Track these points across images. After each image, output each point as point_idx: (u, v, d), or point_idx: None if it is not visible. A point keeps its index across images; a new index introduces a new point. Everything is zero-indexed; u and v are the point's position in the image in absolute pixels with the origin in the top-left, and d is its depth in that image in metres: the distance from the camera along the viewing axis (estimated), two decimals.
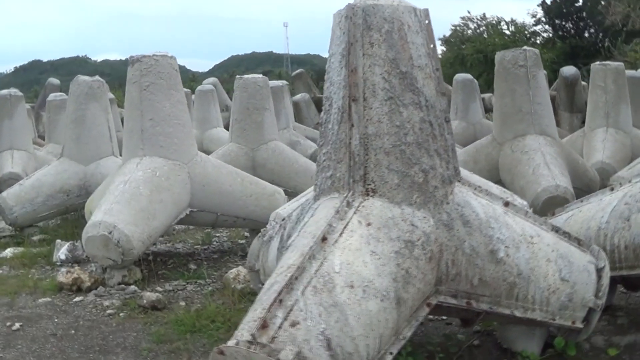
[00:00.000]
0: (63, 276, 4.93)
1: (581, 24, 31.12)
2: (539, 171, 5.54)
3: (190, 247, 6.25)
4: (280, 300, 2.44)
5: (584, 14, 30.68)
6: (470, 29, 33.15)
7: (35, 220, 6.67)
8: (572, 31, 31.12)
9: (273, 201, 5.67)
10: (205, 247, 6.23)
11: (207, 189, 5.35)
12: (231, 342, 2.38)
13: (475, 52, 29.15)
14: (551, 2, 32.13)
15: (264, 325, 2.35)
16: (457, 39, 32.93)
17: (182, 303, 4.51)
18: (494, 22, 31.25)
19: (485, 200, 3.21)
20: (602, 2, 27.89)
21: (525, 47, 6.17)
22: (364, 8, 2.94)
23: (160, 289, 4.78)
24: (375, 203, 2.87)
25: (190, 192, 5.27)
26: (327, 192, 3.01)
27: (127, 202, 4.81)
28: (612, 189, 4.02)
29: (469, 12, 34.70)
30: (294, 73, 21.22)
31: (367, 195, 2.89)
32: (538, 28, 33.17)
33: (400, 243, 2.78)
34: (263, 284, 3.92)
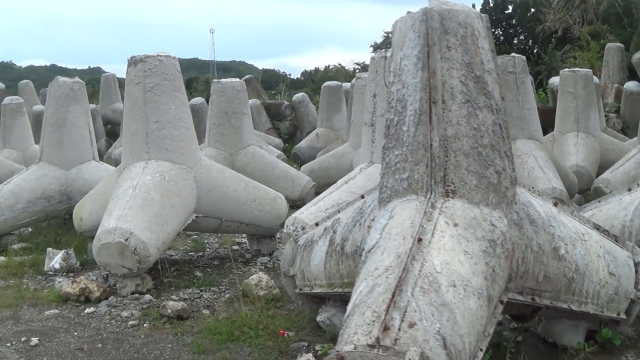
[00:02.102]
0: (69, 286, 4.66)
1: (511, 30, 32.70)
2: (534, 174, 5.81)
3: (183, 254, 6.07)
4: (394, 302, 2.45)
5: (514, 21, 32.26)
6: None
7: (14, 228, 6.24)
8: (502, 38, 32.62)
9: (275, 206, 5.62)
10: (200, 253, 6.07)
11: (212, 194, 5.22)
12: (348, 347, 2.35)
13: None
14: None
15: (385, 328, 2.35)
16: (389, 46, 33.71)
17: (206, 311, 4.38)
18: None
19: (541, 200, 3.36)
20: (532, 10, 29.47)
21: (513, 53, 6.45)
22: (440, 12, 3.00)
23: (176, 298, 4.62)
24: (456, 204, 2.93)
25: (196, 197, 5.13)
26: (403, 194, 3.04)
27: (140, 207, 4.61)
28: (629, 190, 4.30)
29: None
30: (243, 79, 21.02)
31: (447, 196, 2.95)
32: None
33: (486, 242, 2.86)
34: (301, 289, 3.94)
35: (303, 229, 4.67)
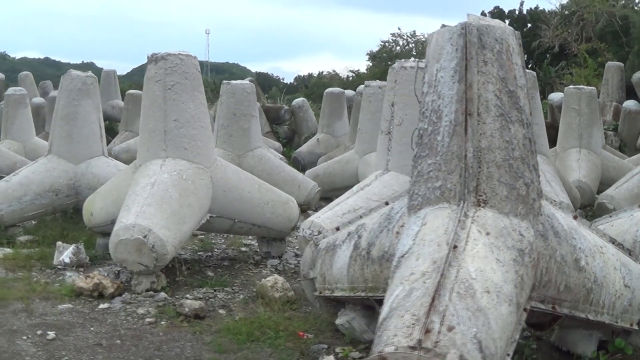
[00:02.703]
0: (82, 281, 4.70)
1: None
2: (541, 188, 5.94)
3: (192, 253, 6.12)
4: (434, 306, 2.55)
5: None
6: (399, 45, 34.38)
7: (21, 220, 6.25)
8: None
9: (288, 209, 5.71)
10: (209, 253, 6.13)
11: (227, 195, 5.29)
12: (389, 349, 2.45)
13: None
14: None
15: (427, 331, 2.45)
16: (385, 55, 33.99)
17: (222, 311, 4.44)
18: (423, 39, 32.57)
19: (563, 213, 3.50)
20: (529, 25, 29.85)
21: None
22: (478, 27, 3.13)
23: (190, 297, 4.68)
24: (487, 213, 3.05)
25: (211, 197, 5.20)
26: (435, 202, 3.15)
27: (159, 205, 4.67)
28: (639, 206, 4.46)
29: (399, 29, 35.94)
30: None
31: (479, 205, 3.06)
32: None
33: (515, 251, 2.98)
34: (320, 292, 4.03)
35: (319, 233, 4.77)
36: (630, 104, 11.02)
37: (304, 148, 11.88)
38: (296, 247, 6.38)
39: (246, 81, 8.10)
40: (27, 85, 12.67)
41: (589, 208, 7.49)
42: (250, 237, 6.51)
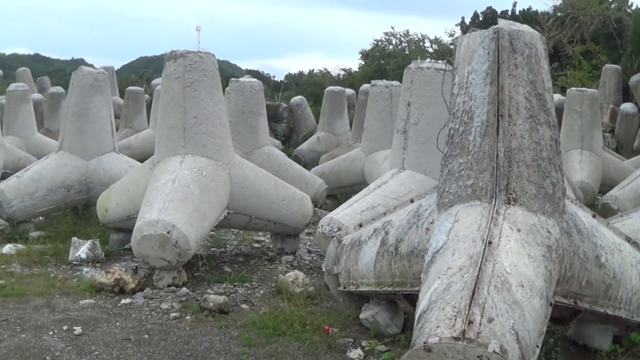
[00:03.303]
0: (103, 277, 4.78)
1: None
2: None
3: (205, 249, 6.22)
4: (474, 299, 2.69)
5: None
6: (392, 44, 34.55)
7: (33, 215, 6.31)
8: None
9: (302, 206, 5.83)
10: (222, 249, 6.24)
11: (245, 191, 5.41)
12: (433, 339, 2.59)
13: (398, 68, 30.42)
14: (470, 23, 34.30)
15: (470, 322, 2.59)
16: (378, 54, 34.16)
17: (244, 306, 4.56)
18: (416, 39, 32.83)
19: (583, 212, 3.67)
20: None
21: None
22: (509, 32, 3.28)
23: (211, 292, 4.79)
24: (517, 211, 3.20)
25: (229, 193, 5.31)
26: (466, 200, 3.29)
27: (181, 200, 4.77)
28: None
29: (392, 28, 36.11)
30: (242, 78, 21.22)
31: (509, 203, 3.22)
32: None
33: (544, 248, 3.13)
34: (345, 287, 4.16)
35: (339, 229, 4.91)
36: (627, 106, 11.28)
37: (304, 146, 12.00)
38: (308, 244, 6.51)
39: (254, 79, 8.20)
40: (25, 81, 12.66)
41: (591, 208, 7.68)
42: (261, 233, 6.63)
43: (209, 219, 4.97)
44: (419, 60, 5.46)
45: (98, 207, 5.86)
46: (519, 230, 3.11)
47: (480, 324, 2.62)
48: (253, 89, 7.91)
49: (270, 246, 6.30)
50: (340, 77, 37.78)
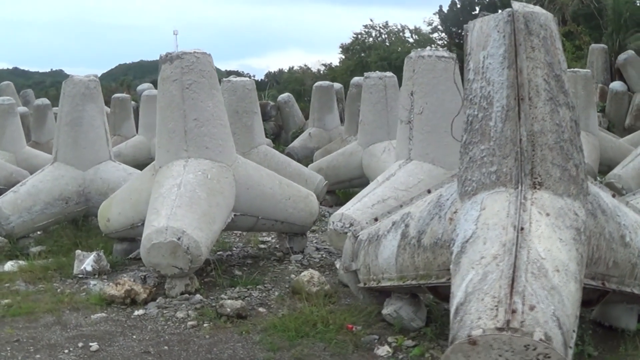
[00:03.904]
0: (113, 289, 4.68)
1: None
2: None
3: (212, 254, 6.11)
4: (514, 287, 2.65)
5: None
6: (372, 37, 34.53)
7: (32, 230, 6.17)
8: None
9: (308, 203, 5.76)
10: (228, 253, 6.15)
11: (250, 192, 5.33)
12: (477, 332, 2.54)
13: (380, 60, 30.42)
14: (448, 11, 34.39)
15: (513, 311, 2.55)
16: (358, 47, 34.12)
17: (261, 309, 4.49)
18: (396, 30, 32.83)
19: (604, 192, 3.65)
20: (499, 11, 30.28)
21: None
22: (524, 14, 3.23)
23: (225, 297, 4.70)
24: (543, 195, 3.16)
25: (235, 195, 5.23)
26: (491, 187, 3.24)
27: (189, 206, 4.68)
28: None
29: (371, 20, 36.06)
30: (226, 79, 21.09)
31: (534, 188, 3.18)
32: (434, 36, 35.36)
33: (574, 231, 3.10)
34: (365, 283, 4.11)
35: (351, 225, 4.85)
36: (616, 85, 11.35)
37: (296, 143, 11.94)
38: (314, 241, 6.45)
39: (246, 78, 8.10)
40: (9, 94, 12.44)
41: None
42: (266, 233, 6.55)
43: (218, 223, 4.89)
44: (418, 50, 5.42)
45: (99, 218, 5.74)
46: (547, 215, 3.07)
47: (522, 312, 2.57)
48: (246, 88, 7.82)
49: (277, 246, 6.23)
50: (321, 72, 37.72)
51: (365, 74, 8.23)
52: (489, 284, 2.74)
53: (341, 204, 8.14)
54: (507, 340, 2.48)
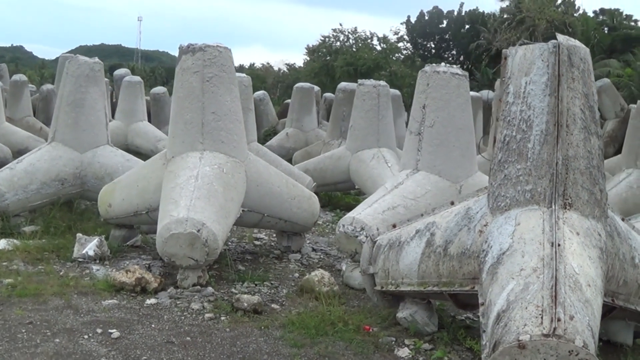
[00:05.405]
0: (124, 276, 4.73)
1: (443, 44, 34.49)
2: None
3: None
4: (557, 298, 2.94)
5: (447, 35, 34.06)
6: (339, 41, 34.85)
7: (25, 209, 6.08)
8: (434, 51, 34.37)
9: (311, 204, 5.95)
10: (227, 247, 6.25)
11: (259, 189, 5.47)
12: (524, 337, 2.82)
13: (346, 65, 30.75)
14: (415, 22, 35.18)
15: (558, 319, 2.83)
16: (325, 50, 34.36)
17: (275, 306, 4.64)
18: (364, 37, 33.24)
19: (617, 216, 4.01)
20: (467, 26, 31.28)
21: None
22: (567, 47, 3.55)
23: (235, 291, 4.84)
24: (572, 215, 3.48)
25: (245, 191, 5.36)
26: (524, 204, 3.54)
27: (207, 198, 4.79)
28: None
29: (340, 25, 36.39)
30: None
31: (565, 208, 3.50)
32: (400, 45, 36.08)
33: (598, 250, 3.44)
34: (382, 287, 4.34)
35: (362, 229, 5.07)
36: None
37: (273, 142, 12.08)
38: (307, 242, 6.63)
39: (243, 74, 8.20)
40: None
41: None
42: (257, 230, 6.68)
43: (232, 217, 5.02)
44: (433, 65, 5.70)
45: (100, 202, 5.75)
46: (578, 234, 3.39)
47: (565, 321, 2.87)
48: (242, 85, 7.93)
49: (272, 244, 6.39)
50: (282, 72, 37.79)
51: (359, 81, 8.48)
52: (531, 294, 3.02)
53: (323, 206, 8.38)
54: (554, 345, 2.77)
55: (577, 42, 3.66)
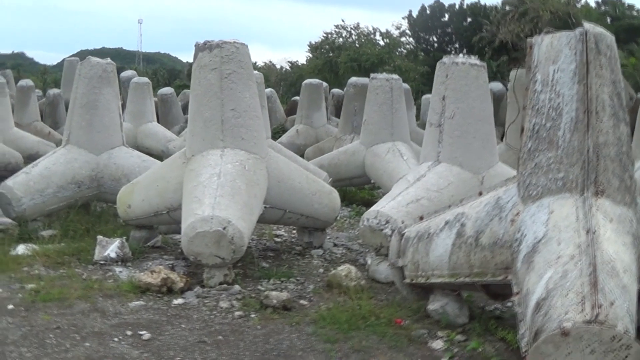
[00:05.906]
0: (149, 277, 4.78)
1: (446, 38, 34.53)
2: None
3: None
4: (596, 285, 2.98)
5: (449, 29, 34.09)
6: (342, 37, 34.90)
7: (42, 213, 6.13)
8: (436, 45, 34.41)
9: (332, 199, 6.00)
10: (248, 245, 6.30)
11: (281, 185, 5.52)
12: (567, 324, 2.86)
13: (349, 61, 30.79)
14: (417, 16, 35.22)
15: (599, 306, 2.88)
16: (327, 47, 34.40)
17: (303, 302, 4.68)
18: (367, 32, 33.28)
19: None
20: (469, 19, 31.28)
21: None
22: (594, 34, 3.59)
23: (262, 288, 4.89)
24: (605, 202, 3.52)
25: (267, 187, 5.41)
26: (556, 192, 3.58)
27: (231, 196, 4.84)
28: None
29: (343, 21, 36.42)
30: None
31: (597, 195, 3.53)
32: (402, 40, 36.12)
33: (631, 236, 3.48)
34: (412, 280, 4.39)
35: (387, 222, 5.12)
36: None
37: (284, 139, 12.13)
38: (328, 237, 6.67)
39: (256, 71, 8.25)
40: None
41: None
42: (275, 226, 6.72)
43: (255, 214, 5.07)
44: (452, 55, 5.74)
45: (119, 204, 5.80)
46: (611, 220, 3.43)
47: (606, 307, 2.91)
48: (255, 82, 7.95)
49: (293, 240, 6.44)
50: (284, 70, 37.82)
51: (372, 75, 8.52)
52: (570, 281, 3.06)
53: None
54: (597, 332, 2.81)
55: (603, 30, 3.69)
